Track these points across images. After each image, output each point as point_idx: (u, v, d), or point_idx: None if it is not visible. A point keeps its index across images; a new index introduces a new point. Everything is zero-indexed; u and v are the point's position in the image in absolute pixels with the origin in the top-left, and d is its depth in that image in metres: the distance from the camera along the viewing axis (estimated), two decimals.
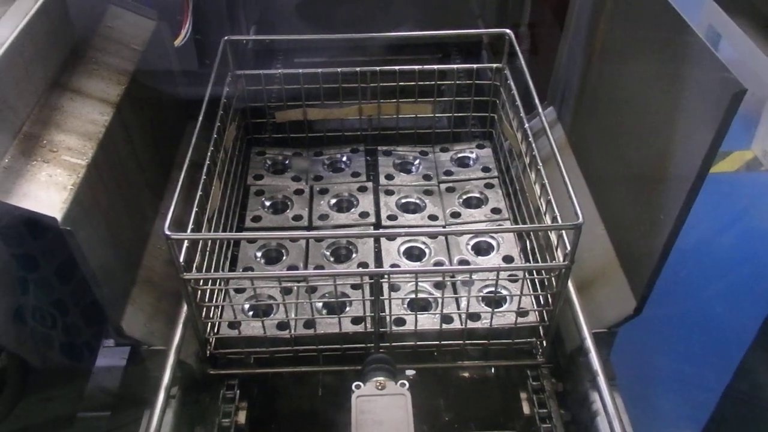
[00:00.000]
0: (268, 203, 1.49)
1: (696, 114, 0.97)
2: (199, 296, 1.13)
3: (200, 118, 1.24)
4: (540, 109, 1.31)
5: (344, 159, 1.61)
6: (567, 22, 1.54)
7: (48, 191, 0.97)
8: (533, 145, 1.30)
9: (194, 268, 1.11)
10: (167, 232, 1.00)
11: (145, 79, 1.34)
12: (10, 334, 1.46)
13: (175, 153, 1.52)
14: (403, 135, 1.64)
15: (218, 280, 1.23)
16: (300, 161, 1.60)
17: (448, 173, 1.56)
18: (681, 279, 2.78)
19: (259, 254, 1.36)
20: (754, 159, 3.97)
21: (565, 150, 1.55)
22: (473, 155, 1.61)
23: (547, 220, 1.21)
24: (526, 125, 1.35)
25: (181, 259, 1.05)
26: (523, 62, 1.39)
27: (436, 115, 1.61)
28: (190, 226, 1.12)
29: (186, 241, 1.09)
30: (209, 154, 1.27)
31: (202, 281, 1.13)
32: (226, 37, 1.47)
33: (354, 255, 1.36)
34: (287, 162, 1.60)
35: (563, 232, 1.12)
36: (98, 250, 1.05)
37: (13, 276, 1.26)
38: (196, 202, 1.16)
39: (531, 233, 1.34)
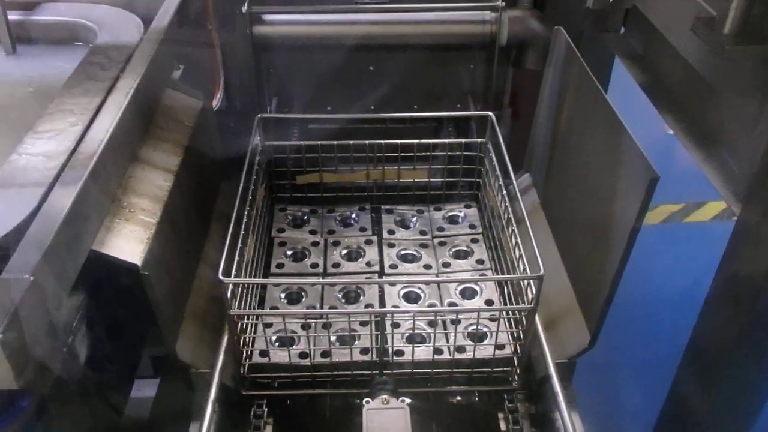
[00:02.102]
0: (289, 252, 1.77)
1: (627, 189, 1.27)
2: (238, 329, 1.41)
3: (241, 184, 1.55)
4: (514, 180, 1.61)
5: (353, 216, 1.90)
6: (538, 105, 1.86)
7: (130, 244, 1.26)
8: (509, 208, 1.60)
9: (236, 306, 1.39)
10: (221, 277, 1.28)
11: (195, 148, 1.64)
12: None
13: (213, 208, 1.81)
14: (403, 196, 1.94)
15: (250, 316, 1.51)
16: (316, 217, 1.90)
17: (441, 229, 1.86)
18: (663, 322, 3.03)
19: (282, 295, 1.64)
20: (727, 209, 4.29)
21: (537, 210, 1.84)
22: (461, 214, 1.91)
23: (520, 270, 1.50)
24: (504, 192, 1.65)
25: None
26: (501, 141, 1.70)
27: (431, 179, 1.91)
28: (233, 272, 1.40)
29: (231, 284, 1.37)
30: (246, 212, 1.56)
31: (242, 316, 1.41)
32: (259, 115, 1.79)
33: (362, 297, 1.64)
34: (305, 218, 1.89)
35: (531, 280, 1.40)
36: (162, 290, 1.33)
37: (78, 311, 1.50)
38: (237, 251, 1.45)
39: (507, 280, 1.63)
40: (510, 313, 1.51)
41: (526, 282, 1.46)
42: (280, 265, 1.73)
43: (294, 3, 2.03)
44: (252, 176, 1.68)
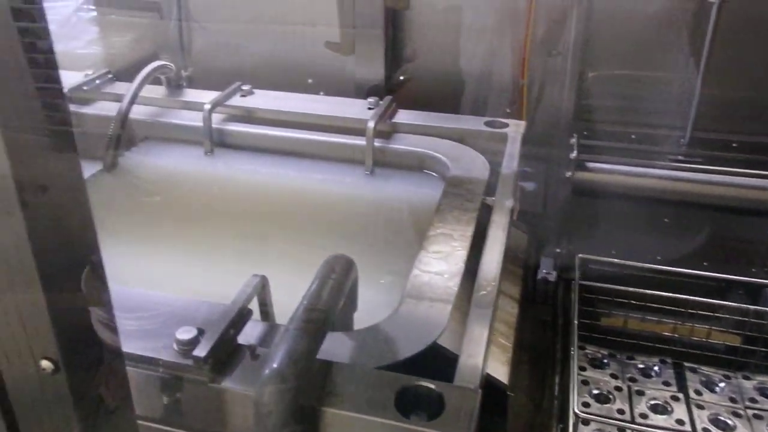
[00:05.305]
0: (594, 392, 1.81)
1: None
2: None
3: (575, 321, 1.64)
4: None
5: (655, 367, 1.91)
6: None
7: (495, 364, 1.40)
8: None
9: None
10: (576, 411, 1.36)
11: (524, 279, 1.79)
12: None
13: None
14: (708, 357, 1.91)
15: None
16: (615, 361, 1.93)
17: (753, 400, 1.79)
18: None
19: None
20: None
21: None
22: None
23: None
24: None
25: None
26: None
27: (743, 345, 1.87)
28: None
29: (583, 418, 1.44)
30: (560, 345, 1.65)
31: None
32: (579, 255, 1.91)
33: None
34: (605, 360, 1.93)
35: None
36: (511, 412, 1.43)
37: None
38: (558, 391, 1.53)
39: None
40: None
41: None
42: (585, 404, 1.78)
43: (615, 154, 2.17)
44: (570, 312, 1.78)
